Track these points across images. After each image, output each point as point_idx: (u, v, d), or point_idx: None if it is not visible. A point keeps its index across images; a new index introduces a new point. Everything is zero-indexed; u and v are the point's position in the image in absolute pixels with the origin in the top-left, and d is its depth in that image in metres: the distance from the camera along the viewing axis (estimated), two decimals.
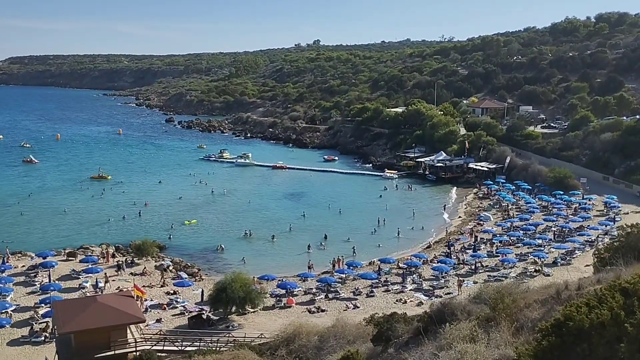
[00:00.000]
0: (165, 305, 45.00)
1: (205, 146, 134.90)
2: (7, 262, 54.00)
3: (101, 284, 48.32)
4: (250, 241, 65.90)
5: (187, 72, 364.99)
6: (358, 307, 44.92)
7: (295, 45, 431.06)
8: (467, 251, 59.19)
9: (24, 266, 53.42)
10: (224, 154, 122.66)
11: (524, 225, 67.57)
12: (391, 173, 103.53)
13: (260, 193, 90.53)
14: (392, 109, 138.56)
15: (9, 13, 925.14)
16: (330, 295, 47.80)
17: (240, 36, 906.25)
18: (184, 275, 53.15)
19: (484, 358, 13.62)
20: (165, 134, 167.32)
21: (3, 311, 41.70)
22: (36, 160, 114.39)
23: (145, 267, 54.19)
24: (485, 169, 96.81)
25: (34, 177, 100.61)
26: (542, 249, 58.27)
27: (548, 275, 49.01)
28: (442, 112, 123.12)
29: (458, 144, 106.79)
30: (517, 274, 51.10)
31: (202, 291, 47.19)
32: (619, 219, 67.02)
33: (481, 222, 71.21)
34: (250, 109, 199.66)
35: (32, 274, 51.00)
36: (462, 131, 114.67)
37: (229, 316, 42.71)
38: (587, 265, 48.55)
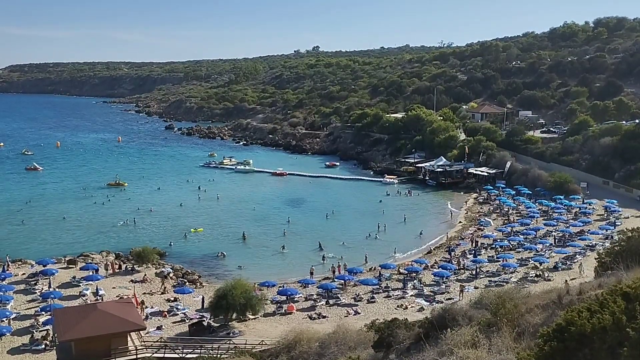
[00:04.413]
0: (165, 313, 44.91)
1: (215, 154, 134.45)
2: (8, 270, 53.91)
3: (102, 291, 48.23)
4: (251, 247, 65.85)
5: (186, 79, 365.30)
6: (359, 313, 44.83)
7: (295, 51, 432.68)
8: (468, 256, 59.13)
9: (24, 274, 53.33)
10: (224, 161, 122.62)
11: (525, 230, 67.56)
12: (391, 178, 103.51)
13: (261, 200, 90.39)
14: (392, 115, 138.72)
15: (9, 21, 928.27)
16: (331, 302, 47.70)
17: (240, 43, 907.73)
18: (185, 282, 53.08)
19: None
20: (165, 140, 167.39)
21: (3, 319, 41.59)
22: (40, 168, 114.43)
23: (145, 274, 54.11)
24: (485, 174, 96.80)
25: (38, 184, 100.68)
26: (543, 253, 58.22)
27: (549, 280, 48.94)
28: (441, 118, 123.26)
29: (458, 149, 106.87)
30: (518, 278, 51.02)
31: (203, 298, 47.12)
32: (619, 223, 67.11)
33: (482, 227, 71.20)
34: (250, 116, 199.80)
35: (33, 282, 50.91)
36: (462, 136, 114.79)
37: (229, 323, 42.62)
38: (572, 279, 46.95)
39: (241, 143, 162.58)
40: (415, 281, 51.90)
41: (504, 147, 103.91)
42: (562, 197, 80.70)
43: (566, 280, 43.79)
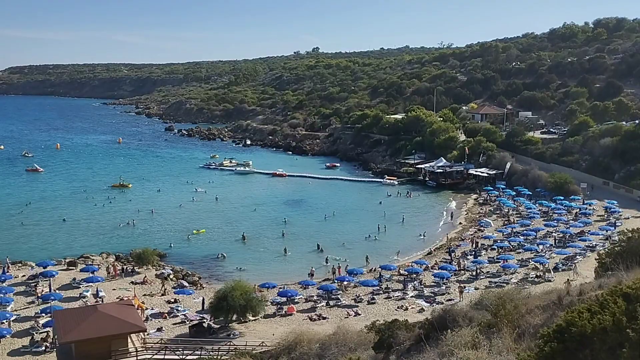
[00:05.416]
0: (166, 314, 44.88)
1: (217, 155, 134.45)
2: (8, 271, 53.90)
3: (102, 293, 48.20)
4: (251, 249, 65.82)
5: (186, 80, 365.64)
6: (359, 315, 44.79)
7: (295, 52, 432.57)
8: (468, 257, 59.09)
9: (24, 276, 53.30)
10: (224, 162, 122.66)
11: (525, 231, 67.51)
12: (391, 179, 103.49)
13: (261, 201, 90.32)
14: (392, 116, 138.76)
15: (9, 23, 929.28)
16: (331, 303, 47.67)
17: (240, 44, 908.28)
18: (185, 283, 53.08)
19: None
20: (165, 142, 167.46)
21: (3, 321, 41.58)
22: (41, 169, 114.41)
23: (145, 276, 54.08)
24: (486, 174, 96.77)
25: (38, 186, 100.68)
26: (543, 254, 58.19)
27: (550, 281, 48.91)
28: (441, 119, 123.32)
29: (458, 150, 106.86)
30: (518, 279, 51.00)
31: (203, 299, 47.10)
32: (619, 224, 67.02)
33: (482, 228, 71.15)
34: (250, 117, 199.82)
35: (33, 284, 50.85)
36: (462, 137, 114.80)
37: (229, 324, 42.59)
38: (571, 280, 46.27)
39: (241, 144, 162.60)
40: (415, 282, 51.86)
41: (504, 147, 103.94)
42: (562, 197, 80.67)
43: (568, 280, 43.88)
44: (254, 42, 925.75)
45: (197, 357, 35.63)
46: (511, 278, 51.52)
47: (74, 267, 55.76)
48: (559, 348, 11.42)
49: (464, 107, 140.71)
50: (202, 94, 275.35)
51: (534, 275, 51.90)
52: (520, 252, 60.02)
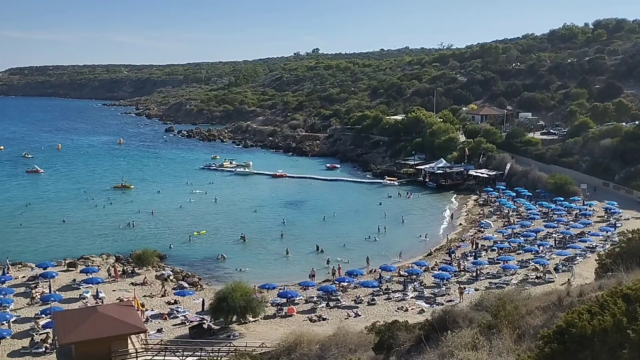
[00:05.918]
0: (166, 315, 44.88)
1: (218, 156, 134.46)
2: (8, 273, 53.90)
3: (102, 294, 48.19)
4: (251, 250, 65.82)
5: (186, 81, 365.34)
6: (359, 316, 44.78)
7: (295, 53, 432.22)
8: (468, 258, 59.07)
9: (24, 277, 53.30)
10: (224, 163, 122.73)
11: (525, 232, 67.49)
12: (391, 180, 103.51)
13: (261, 202, 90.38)
14: (392, 117, 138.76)
15: (9, 25, 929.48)
16: (331, 304, 47.66)
17: (240, 45, 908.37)
18: (185, 284, 53.08)
19: None
20: (165, 143, 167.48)
21: (3, 322, 41.56)
22: (41, 170, 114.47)
23: (145, 277, 54.09)
24: (486, 175, 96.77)
25: (38, 187, 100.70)
26: (543, 255, 58.17)
27: (551, 282, 48.90)
28: (441, 120, 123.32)
29: (458, 151, 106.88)
30: (518, 280, 50.99)
31: (203, 300, 47.09)
32: (619, 225, 66.99)
33: (482, 229, 71.13)
34: (250, 118, 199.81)
35: (33, 285, 50.83)
36: (462, 138, 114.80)
37: (229, 325, 42.58)
38: (563, 284, 46.04)
39: (241, 145, 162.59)
40: (415, 283, 51.85)
41: (504, 148, 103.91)
42: (562, 198, 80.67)
43: (568, 280, 43.91)
44: (254, 43, 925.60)
45: (197, 358, 35.64)
46: (511, 279, 51.52)
47: (74, 268, 55.76)
48: (559, 349, 11.42)
49: (464, 108, 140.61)
50: (202, 95, 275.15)
51: (534, 276, 51.90)
52: (520, 253, 60.01)
